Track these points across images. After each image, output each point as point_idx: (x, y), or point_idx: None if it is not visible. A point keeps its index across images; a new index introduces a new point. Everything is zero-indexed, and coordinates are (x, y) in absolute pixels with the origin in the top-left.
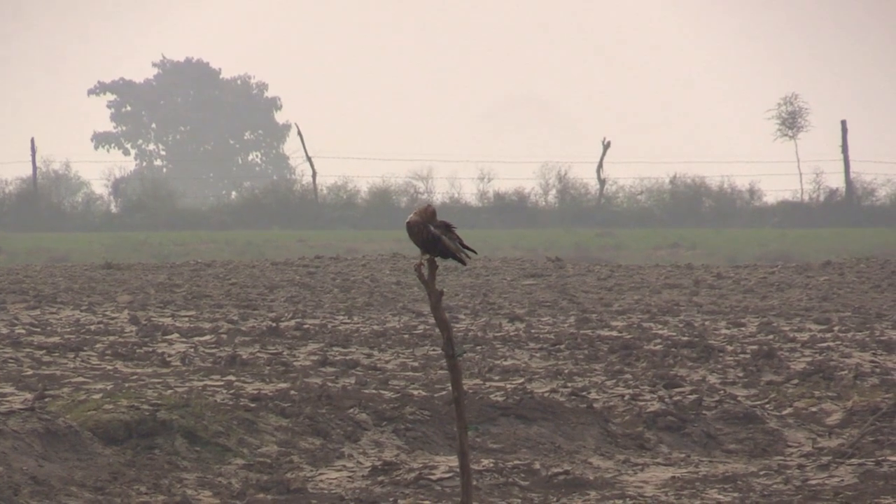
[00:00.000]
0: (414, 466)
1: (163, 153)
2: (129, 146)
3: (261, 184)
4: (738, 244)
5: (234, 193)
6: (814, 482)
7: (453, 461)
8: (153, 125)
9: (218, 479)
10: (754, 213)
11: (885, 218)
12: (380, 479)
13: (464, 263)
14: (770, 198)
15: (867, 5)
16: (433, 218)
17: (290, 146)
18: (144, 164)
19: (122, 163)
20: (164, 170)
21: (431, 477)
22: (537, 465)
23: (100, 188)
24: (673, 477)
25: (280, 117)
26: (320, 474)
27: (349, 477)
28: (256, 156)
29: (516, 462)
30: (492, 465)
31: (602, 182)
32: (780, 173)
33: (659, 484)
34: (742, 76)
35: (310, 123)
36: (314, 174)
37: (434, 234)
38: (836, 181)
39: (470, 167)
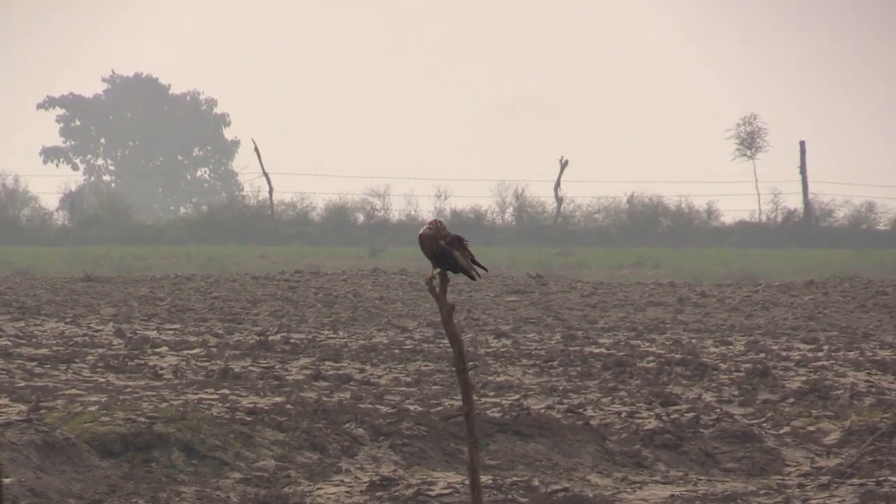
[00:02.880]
0: (412, 482)
1: (112, 168)
2: (77, 161)
3: (213, 200)
4: (701, 263)
5: (182, 209)
6: (814, 502)
7: (451, 477)
8: (102, 140)
9: (216, 492)
10: (712, 232)
11: (842, 239)
12: (378, 494)
13: (474, 279)
14: (728, 218)
15: (826, 27)
16: (445, 232)
17: (239, 162)
18: (93, 178)
19: (71, 178)
20: (113, 185)
21: (430, 493)
22: (536, 482)
23: (49, 203)
24: (672, 495)
25: (229, 133)
26: (318, 489)
27: (347, 492)
28: (205, 172)
29: (515, 479)
30: (490, 481)
31: (559, 201)
32: (738, 193)
33: (658, 502)
34: (701, 96)
35: (261, 140)
36: (270, 190)
37: (446, 248)
38: (795, 202)
39: (427, 184)
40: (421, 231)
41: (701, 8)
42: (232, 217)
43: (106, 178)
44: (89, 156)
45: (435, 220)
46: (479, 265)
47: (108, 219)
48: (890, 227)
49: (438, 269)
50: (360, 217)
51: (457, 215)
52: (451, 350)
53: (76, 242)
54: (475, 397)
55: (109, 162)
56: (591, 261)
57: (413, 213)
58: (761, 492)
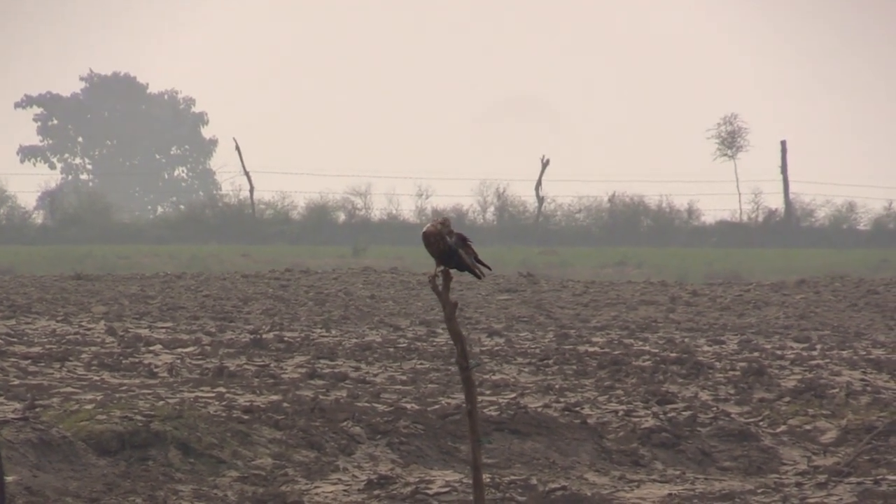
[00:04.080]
0: (410, 480)
1: (89, 167)
2: (55, 160)
3: (190, 199)
4: (684, 263)
5: (160, 208)
6: (812, 501)
7: (449, 476)
8: (80, 139)
9: (213, 491)
10: (693, 232)
11: (823, 239)
12: (376, 493)
13: (479, 278)
14: (708, 217)
15: (807, 26)
16: (449, 229)
17: (217, 161)
18: (71, 177)
19: (49, 177)
20: (91, 184)
21: (428, 492)
22: (534, 481)
23: (26, 202)
24: (669, 494)
25: (207, 132)
26: (316, 487)
27: (345, 490)
28: (183, 171)
29: (513, 477)
30: (488, 480)
31: (540, 200)
32: (719, 193)
33: (656, 501)
34: (682, 95)
35: (240, 139)
36: (251, 189)
37: (451, 246)
38: (775, 201)
39: (408, 183)
40: (425, 228)
41: (682, 8)
42: (213, 216)
43: (84, 176)
44: (67, 155)
45: (442, 218)
46: (482, 264)
47: (89, 218)
48: (870, 227)
49: (442, 267)
50: (342, 216)
51: (438, 214)
52: (445, 348)
53: (57, 241)
54: None
55: (87, 161)
56: (575, 260)
57: (395, 211)
58: (759, 490)
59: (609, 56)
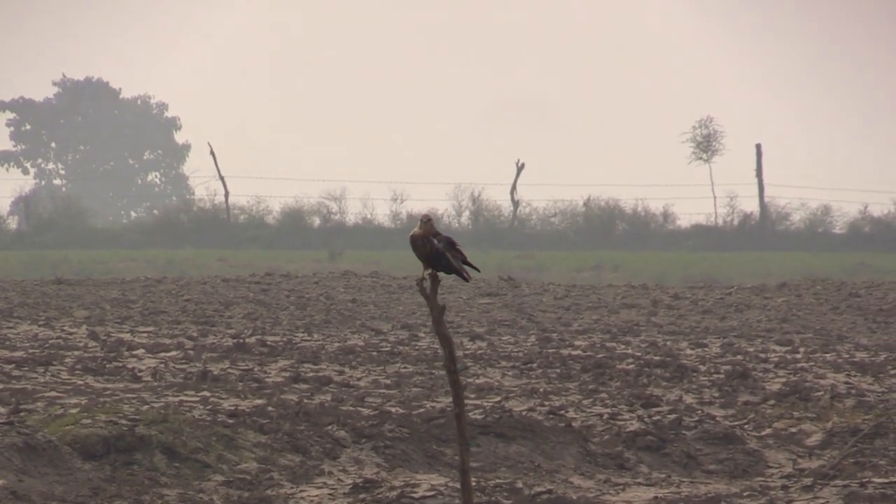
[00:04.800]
0: (395, 485)
1: (62, 172)
2: (28, 165)
3: (163, 203)
4: (661, 267)
5: (132, 213)
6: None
7: (435, 479)
8: (53, 144)
9: (199, 495)
10: (668, 236)
11: (798, 242)
12: (361, 496)
13: (466, 280)
14: (684, 221)
15: (780, 28)
16: (434, 231)
17: (190, 166)
18: (44, 182)
19: (22, 182)
20: (64, 189)
21: (414, 495)
22: (520, 485)
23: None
24: (655, 497)
25: (180, 137)
26: (301, 491)
27: (330, 494)
28: (156, 176)
29: (498, 481)
30: (474, 483)
31: (516, 204)
32: (694, 196)
33: None
34: (657, 99)
35: (213, 144)
36: (226, 193)
37: (438, 248)
38: (751, 205)
39: (383, 188)
40: (412, 232)
41: (655, 11)
42: (188, 220)
43: (57, 181)
44: (40, 160)
45: (425, 215)
46: (470, 266)
47: (64, 223)
48: (846, 231)
49: (430, 271)
50: (317, 220)
51: (413, 218)
52: (428, 352)
53: (31, 247)
54: None
55: (60, 166)
56: (551, 264)
57: (369, 216)
58: (745, 493)
59: (583, 61)
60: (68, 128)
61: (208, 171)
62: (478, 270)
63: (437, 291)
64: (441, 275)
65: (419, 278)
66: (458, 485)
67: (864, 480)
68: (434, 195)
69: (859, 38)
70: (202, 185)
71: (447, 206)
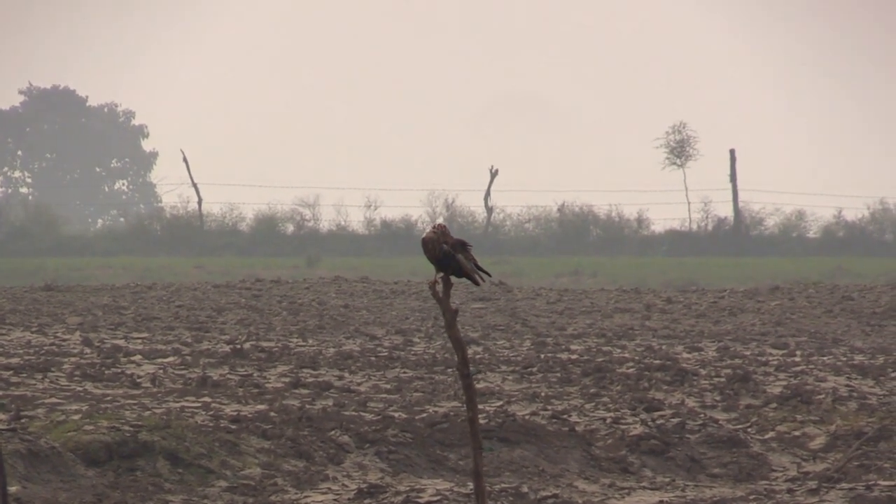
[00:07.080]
0: (400, 490)
1: (29, 180)
2: None
3: (131, 211)
4: (637, 272)
5: (100, 221)
6: None
7: (440, 484)
8: (19, 152)
9: (203, 501)
10: (642, 241)
11: (772, 247)
12: (366, 502)
13: (477, 284)
14: (658, 226)
15: (754, 34)
16: (448, 236)
17: (157, 174)
18: (10, 191)
19: None
20: (31, 197)
21: (419, 501)
22: (525, 489)
23: None
24: (660, 501)
25: (147, 145)
26: (305, 497)
27: (335, 500)
28: (123, 184)
29: (503, 485)
30: None
31: (489, 210)
32: (668, 202)
33: None
34: (630, 104)
35: (183, 151)
36: (199, 201)
37: (449, 251)
38: (725, 210)
39: (356, 195)
40: (424, 235)
41: (629, 15)
42: (161, 228)
43: (24, 190)
44: (6, 168)
45: (439, 224)
46: (482, 270)
47: (37, 230)
48: (820, 235)
49: (442, 274)
50: (290, 227)
51: (387, 225)
52: (426, 357)
53: (3, 254)
54: (457, 404)
55: (27, 174)
56: (529, 270)
57: (343, 222)
58: (750, 497)
59: (555, 68)
60: (35, 136)
61: (176, 178)
62: (489, 275)
63: (449, 295)
64: (451, 278)
65: (431, 282)
66: (463, 490)
67: (870, 483)
68: (408, 201)
69: (833, 44)
70: (172, 192)
71: (421, 213)
